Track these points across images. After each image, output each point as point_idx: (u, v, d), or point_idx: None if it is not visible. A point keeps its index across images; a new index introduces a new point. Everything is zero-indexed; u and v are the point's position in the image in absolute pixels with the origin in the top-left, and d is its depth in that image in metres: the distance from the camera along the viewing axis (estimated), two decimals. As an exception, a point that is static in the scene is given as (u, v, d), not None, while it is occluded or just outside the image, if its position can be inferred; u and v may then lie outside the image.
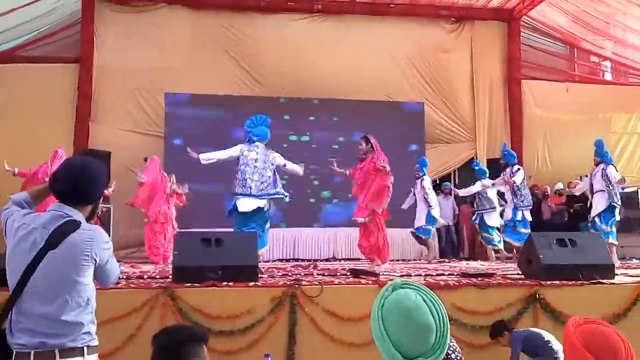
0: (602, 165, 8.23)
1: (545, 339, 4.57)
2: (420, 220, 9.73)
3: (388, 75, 12.26)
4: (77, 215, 2.42)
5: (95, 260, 2.38)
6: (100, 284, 2.56)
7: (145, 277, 5.89)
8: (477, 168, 10.20)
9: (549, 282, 5.38)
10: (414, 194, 9.92)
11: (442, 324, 1.57)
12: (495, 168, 10.33)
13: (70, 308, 2.31)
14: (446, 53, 12.70)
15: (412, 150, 11.85)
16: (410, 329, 1.55)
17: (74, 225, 2.37)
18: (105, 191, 9.16)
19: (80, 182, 2.43)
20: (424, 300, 1.60)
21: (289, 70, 11.71)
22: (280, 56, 11.73)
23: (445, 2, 12.15)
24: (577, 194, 9.21)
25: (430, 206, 9.65)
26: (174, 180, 9.39)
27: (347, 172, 7.67)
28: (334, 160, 7.89)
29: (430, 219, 9.68)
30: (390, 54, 12.28)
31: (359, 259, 9.55)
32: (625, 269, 7.41)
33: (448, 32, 12.82)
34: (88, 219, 2.50)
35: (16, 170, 8.14)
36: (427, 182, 9.87)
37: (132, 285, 5.06)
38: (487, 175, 9.90)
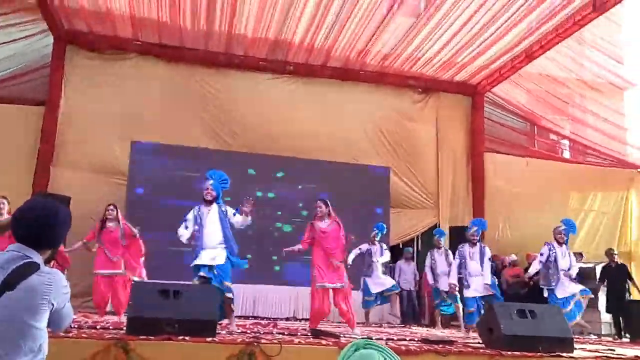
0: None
1: None
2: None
3: (355, 139, 12.48)
4: (37, 257, 2.33)
5: (53, 304, 2.27)
6: (52, 328, 2.42)
7: (97, 327, 5.63)
8: (437, 236, 10.29)
9: (509, 353, 5.34)
10: (370, 254, 9.92)
11: None
12: (457, 235, 10.44)
13: (23, 353, 2.18)
14: (412, 122, 13.03)
15: (376, 214, 11.92)
16: None
17: (33, 268, 2.27)
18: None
19: (43, 225, 2.35)
20: None
21: (259, 127, 11.81)
22: (251, 113, 11.84)
23: (413, 73, 12.52)
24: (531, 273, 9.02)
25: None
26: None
27: (300, 247, 7.40)
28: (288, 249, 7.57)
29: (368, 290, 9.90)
30: (358, 118, 12.53)
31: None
32: (583, 343, 7.44)
33: (415, 102, 13.19)
34: (46, 262, 2.41)
35: None
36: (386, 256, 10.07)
37: (83, 335, 4.80)
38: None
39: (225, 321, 6.51)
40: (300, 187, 11.71)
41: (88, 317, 7.51)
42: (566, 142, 14.30)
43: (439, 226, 12.29)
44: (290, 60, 12.11)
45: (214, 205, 6.61)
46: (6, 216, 7.40)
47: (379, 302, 10.11)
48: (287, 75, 12.42)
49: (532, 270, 8.70)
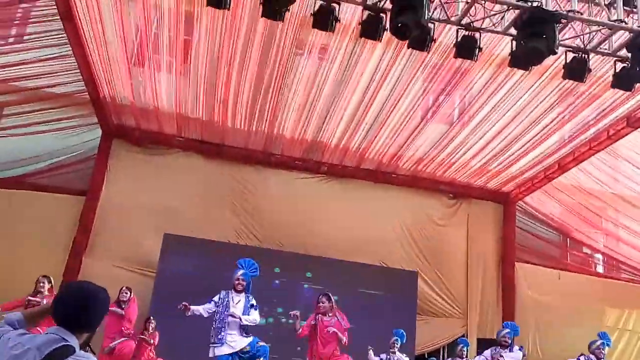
0: None
1: None
2: None
3: (385, 241, 12.43)
4: (73, 340, 2.36)
5: None
6: None
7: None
8: (461, 345, 9.94)
9: None
10: None
11: None
12: (485, 348, 10.07)
13: None
14: (443, 227, 12.99)
15: (402, 320, 11.62)
16: None
17: (69, 351, 2.30)
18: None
19: (83, 308, 2.40)
20: None
21: (289, 225, 11.92)
22: (284, 210, 12.00)
23: (445, 178, 12.66)
24: None
25: None
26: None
27: (299, 331, 7.52)
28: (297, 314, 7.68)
29: None
30: (389, 220, 12.56)
31: None
32: None
33: (446, 207, 13.21)
34: (82, 346, 2.43)
35: None
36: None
37: None
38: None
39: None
40: (325, 287, 11.56)
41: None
42: (600, 256, 14.02)
43: (467, 336, 11.95)
44: (325, 161, 12.44)
45: (243, 295, 6.78)
46: (46, 293, 7.65)
47: None
48: (321, 175, 12.69)
49: None
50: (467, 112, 10.29)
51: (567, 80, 7.81)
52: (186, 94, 10.42)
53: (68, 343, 2.32)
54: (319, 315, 7.48)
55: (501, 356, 8.10)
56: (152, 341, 9.21)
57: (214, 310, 6.83)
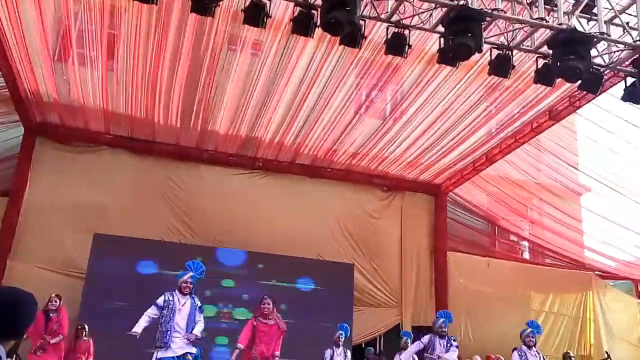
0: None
1: None
2: None
3: (320, 235, 12.55)
4: (2, 353, 2.26)
5: None
6: None
7: None
8: (404, 338, 10.13)
9: None
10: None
11: None
12: (420, 335, 10.31)
13: None
14: (377, 219, 13.21)
15: (340, 311, 11.76)
16: None
17: None
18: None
19: (9, 315, 2.28)
20: None
21: (224, 221, 11.83)
22: (218, 207, 11.89)
23: (378, 172, 12.86)
24: None
25: None
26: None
27: (239, 348, 7.55)
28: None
29: None
30: (324, 214, 12.66)
31: None
32: None
33: (380, 200, 13.44)
34: (9, 355, 2.33)
35: None
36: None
37: None
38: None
39: None
40: (261, 282, 11.56)
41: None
42: (526, 243, 14.63)
43: (402, 325, 12.27)
44: (260, 157, 12.38)
45: (189, 298, 6.66)
46: None
47: None
48: (256, 171, 12.63)
49: None
50: (399, 107, 10.48)
51: (492, 76, 8.06)
52: (113, 90, 10.11)
53: None
54: (259, 317, 7.49)
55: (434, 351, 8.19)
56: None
57: (157, 315, 6.65)
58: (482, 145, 11.61)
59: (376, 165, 12.58)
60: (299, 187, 12.67)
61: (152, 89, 9.96)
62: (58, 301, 8.38)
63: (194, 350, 6.68)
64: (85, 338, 9.20)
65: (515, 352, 8.33)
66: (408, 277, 13.03)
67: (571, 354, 10.58)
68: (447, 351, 8.01)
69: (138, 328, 6.57)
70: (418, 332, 11.07)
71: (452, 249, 13.43)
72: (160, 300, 6.70)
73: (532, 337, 8.28)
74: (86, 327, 9.29)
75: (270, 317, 7.52)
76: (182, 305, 6.68)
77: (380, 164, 12.53)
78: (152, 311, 6.68)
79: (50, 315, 8.15)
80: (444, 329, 8.25)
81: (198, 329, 6.76)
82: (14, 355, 2.09)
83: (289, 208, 12.34)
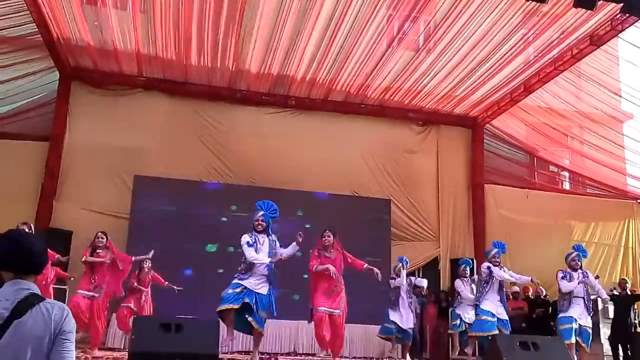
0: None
1: None
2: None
3: (356, 172, 12.55)
4: (36, 289, 2.36)
5: (60, 334, 2.27)
6: None
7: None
8: (463, 265, 10.19)
9: (512, 385, 5.33)
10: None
11: None
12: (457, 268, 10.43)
13: None
14: (413, 154, 13.12)
15: (378, 247, 11.90)
16: None
17: (38, 298, 2.31)
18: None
19: (28, 252, 2.37)
20: None
21: (259, 160, 11.92)
22: (252, 146, 11.96)
23: (413, 106, 12.67)
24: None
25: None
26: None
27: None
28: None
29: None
30: (359, 150, 12.63)
31: (314, 354, 9.37)
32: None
33: (415, 134, 13.30)
34: None
35: None
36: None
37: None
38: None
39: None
40: (299, 219, 11.69)
41: (87, 353, 7.46)
42: (566, 173, 14.37)
43: (440, 258, 12.34)
44: (292, 95, 12.30)
45: (265, 236, 6.78)
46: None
47: (394, 333, 9.61)
48: (289, 109, 12.58)
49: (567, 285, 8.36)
50: (432, 37, 10.19)
51: (529, 2, 7.73)
52: (146, 32, 10.09)
53: (33, 291, 2.33)
54: (320, 250, 7.43)
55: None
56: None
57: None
58: (520, 74, 11.25)
59: (410, 99, 12.38)
60: (332, 124, 12.60)
61: (184, 30, 9.90)
62: (105, 238, 8.49)
63: (264, 290, 6.75)
64: (147, 270, 9.50)
65: (560, 272, 8.33)
66: (445, 210, 13.01)
67: (627, 281, 10.55)
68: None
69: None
70: (455, 264, 11.20)
71: (489, 181, 13.29)
72: (250, 239, 6.83)
73: (578, 261, 8.28)
74: (149, 261, 9.50)
75: (331, 250, 7.42)
76: (262, 244, 6.85)
77: (415, 98, 12.33)
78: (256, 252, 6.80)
79: (99, 252, 8.30)
80: (497, 259, 8.42)
81: (285, 252, 6.91)
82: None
83: (323, 145, 12.33)
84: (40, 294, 2.36)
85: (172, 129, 11.80)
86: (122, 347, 9.25)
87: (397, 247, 12.28)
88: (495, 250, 8.61)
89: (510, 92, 11.90)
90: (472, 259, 10.95)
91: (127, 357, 5.29)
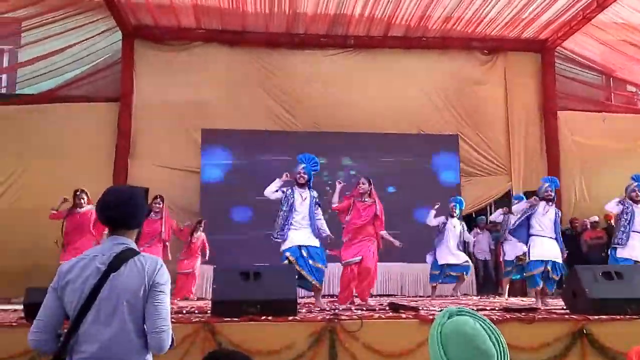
0: None
1: None
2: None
3: (421, 109, 12.27)
4: (132, 243, 2.46)
5: (155, 287, 2.36)
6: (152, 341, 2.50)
7: (184, 311, 5.89)
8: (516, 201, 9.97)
9: (596, 317, 5.20)
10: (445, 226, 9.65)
11: (502, 351, 1.58)
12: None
13: (133, 333, 2.31)
14: (479, 85, 12.66)
15: (447, 184, 11.75)
16: (470, 355, 1.56)
17: (133, 252, 2.41)
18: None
19: (128, 207, 2.47)
20: (483, 327, 1.61)
21: (323, 104, 11.83)
22: (314, 91, 11.88)
23: (477, 35, 12.14)
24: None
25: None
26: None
27: (336, 204, 7.55)
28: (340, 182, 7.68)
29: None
30: (422, 87, 12.31)
31: (394, 295, 9.46)
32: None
33: (481, 64, 12.79)
34: None
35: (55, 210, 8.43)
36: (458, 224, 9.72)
37: (172, 320, 5.04)
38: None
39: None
40: (366, 161, 11.63)
41: (172, 304, 7.81)
42: (645, 92, 13.55)
43: (513, 192, 12.03)
44: (351, 34, 12.04)
45: (307, 190, 6.83)
46: (87, 206, 8.09)
47: (440, 280, 9.65)
48: (349, 49, 12.33)
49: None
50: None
51: None
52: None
53: (129, 245, 2.43)
54: (355, 197, 7.47)
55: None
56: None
57: (281, 196, 6.87)
58: (592, -11, 10.53)
59: (473, 28, 11.84)
60: (394, 61, 12.27)
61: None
62: (161, 203, 8.94)
63: (316, 243, 6.83)
64: (200, 233, 9.87)
65: (616, 199, 7.86)
66: (516, 141, 12.57)
67: None
68: (545, 214, 7.71)
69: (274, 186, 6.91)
70: (530, 196, 10.88)
71: (562, 107, 12.70)
72: (284, 189, 6.92)
73: (638, 191, 7.75)
74: (203, 222, 9.94)
75: (366, 198, 7.45)
76: (304, 199, 6.85)
77: (478, 26, 11.78)
78: (274, 191, 6.90)
79: (152, 216, 8.79)
80: (550, 193, 7.81)
81: (324, 226, 7.02)
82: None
83: (386, 84, 12.07)
84: (136, 249, 2.45)
85: (234, 79, 11.84)
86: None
87: (467, 184, 12.08)
88: (547, 184, 7.93)
89: (582, 10, 11.13)
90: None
91: (210, 305, 5.49)
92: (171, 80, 11.59)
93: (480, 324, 1.61)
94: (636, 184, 7.79)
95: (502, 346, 1.59)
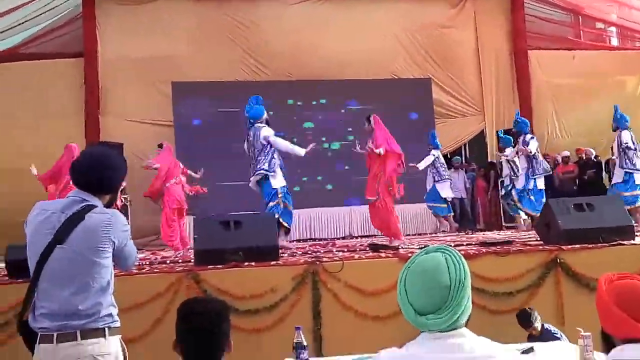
0: (617, 132, 8.24)
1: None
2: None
3: (392, 54, 12.25)
4: (95, 201, 2.44)
5: (114, 242, 2.39)
6: (120, 267, 2.58)
7: (167, 262, 5.93)
8: (502, 136, 10.14)
9: (569, 247, 5.37)
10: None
11: (457, 285, 1.57)
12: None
13: (91, 290, 2.32)
14: (450, 28, 12.64)
15: (420, 127, 11.81)
16: (423, 287, 1.59)
17: (91, 209, 2.39)
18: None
19: (100, 171, 2.45)
20: (447, 261, 1.61)
21: (293, 53, 11.69)
22: (283, 40, 11.69)
23: (446, -24, 12.03)
24: None
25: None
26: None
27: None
28: (356, 143, 7.52)
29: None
30: (393, 32, 12.24)
31: (374, 235, 9.58)
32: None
33: (451, 7, 12.74)
34: (107, 207, 2.52)
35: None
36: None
37: (155, 271, 5.10)
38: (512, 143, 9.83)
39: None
40: (342, 110, 11.64)
41: (157, 254, 7.85)
42: (613, 29, 13.63)
43: (486, 131, 12.18)
44: (317, -20, 11.81)
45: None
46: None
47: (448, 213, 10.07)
48: (317, -3, 12.12)
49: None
50: None
51: None
52: None
53: (90, 203, 2.41)
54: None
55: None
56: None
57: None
58: None
59: (443, -32, 11.73)
60: (363, 8, 12.11)
61: None
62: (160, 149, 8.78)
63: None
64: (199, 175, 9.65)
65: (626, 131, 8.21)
66: (488, 82, 12.68)
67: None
68: None
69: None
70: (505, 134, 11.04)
71: (532, 47, 12.76)
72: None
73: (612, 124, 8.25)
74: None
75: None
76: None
77: (446, -33, 11.67)
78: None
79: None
80: None
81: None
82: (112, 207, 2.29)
83: (356, 31, 11.92)
84: (97, 205, 2.44)
85: (202, 32, 11.61)
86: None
87: (441, 126, 12.16)
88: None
89: (550, -53, 11.10)
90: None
91: (192, 255, 5.53)
92: (137, 35, 11.30)
93: (446, 258, 1.61)
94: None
95: (460, 281, 1.57)
